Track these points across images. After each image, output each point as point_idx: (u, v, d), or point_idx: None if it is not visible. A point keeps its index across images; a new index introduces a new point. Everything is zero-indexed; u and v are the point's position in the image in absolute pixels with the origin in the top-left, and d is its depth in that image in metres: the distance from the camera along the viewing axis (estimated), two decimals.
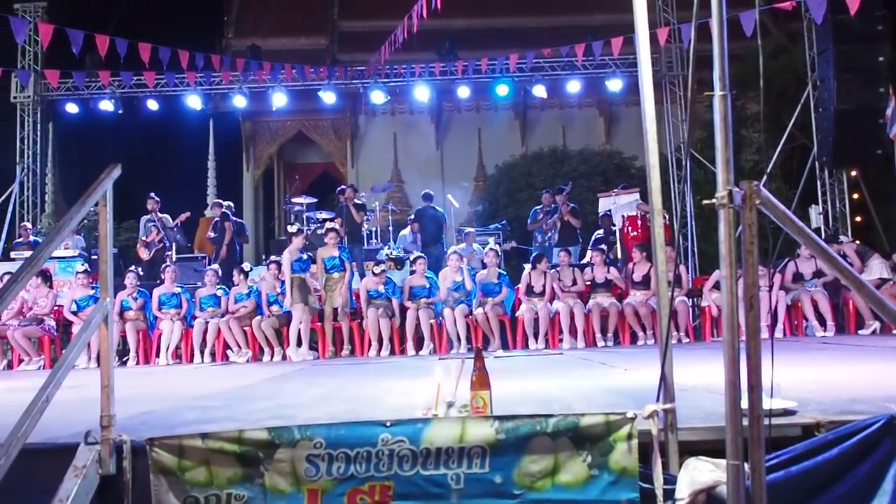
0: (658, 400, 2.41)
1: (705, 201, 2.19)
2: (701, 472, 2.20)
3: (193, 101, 13.44)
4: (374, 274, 8.73)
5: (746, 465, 2.03)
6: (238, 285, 8.93)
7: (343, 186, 11.11)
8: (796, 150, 12.80)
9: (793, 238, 2.26)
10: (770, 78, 12.47)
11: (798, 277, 8.55)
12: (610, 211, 10.24)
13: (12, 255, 10.89)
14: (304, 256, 8.63)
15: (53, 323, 8.82)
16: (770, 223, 2.18)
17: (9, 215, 13.01)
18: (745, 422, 2.02)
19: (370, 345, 8.41)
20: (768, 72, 12.43)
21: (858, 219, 13.05)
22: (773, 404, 2.29)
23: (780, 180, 13.32)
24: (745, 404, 2.03)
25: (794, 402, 2.66)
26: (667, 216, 10.96)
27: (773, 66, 12.83)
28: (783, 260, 8.76)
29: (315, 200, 11.90)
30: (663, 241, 2.50)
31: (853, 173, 12.08)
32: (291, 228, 9.28)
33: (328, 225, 9.22)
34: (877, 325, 7.93)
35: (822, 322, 8.21)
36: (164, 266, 9.34)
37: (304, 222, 11.28)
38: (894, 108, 9.89)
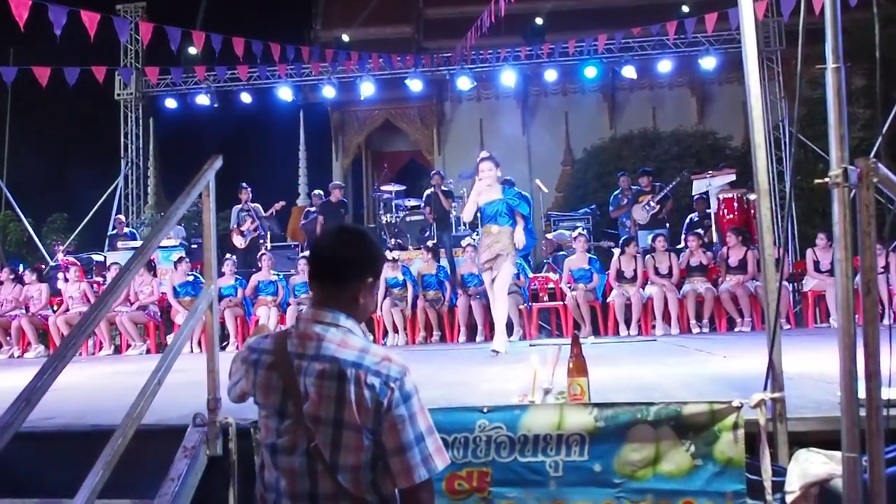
0: (766, 388, 2.32)
1: (817, 180, 2.07)
2: (813, 465, 2.10)
3: (284, 93, 13.83)
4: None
5: (864, 458, 1.92)
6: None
7: (433, 172, 11.19)
8: None
9: None
10: (881, 48, 11.68)
11: None
12: (706, 193, 9.88)
13: (119, 244, 11.52)
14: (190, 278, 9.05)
15: (157, 309, 9.29)
16: (878, 203, 2.04)
17: (114, 208, 13.77)
18: (862, 412, 1.91)
19: (460, 330, 8.48)
20: (874, 43, 11.65)
21: None
22: (892, 394, 2.16)
23: (888, 159, 12.48)
24: (861, 394, 1.91)
25: None
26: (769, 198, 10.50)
27: (881, 37, 12.01)
28: (893, 242, 8.22)
29: (403, 188, 12.03)
30: (770, 223, 2.38)
31: None
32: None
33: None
34: None
35: None
36: (260, 254, 9.66)
37: (393, 210, 11.43)
38: None
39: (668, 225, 10.40)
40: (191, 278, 9.18)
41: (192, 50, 13.25)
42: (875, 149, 9.27)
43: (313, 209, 11.41)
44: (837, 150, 1.99)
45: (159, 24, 10.57)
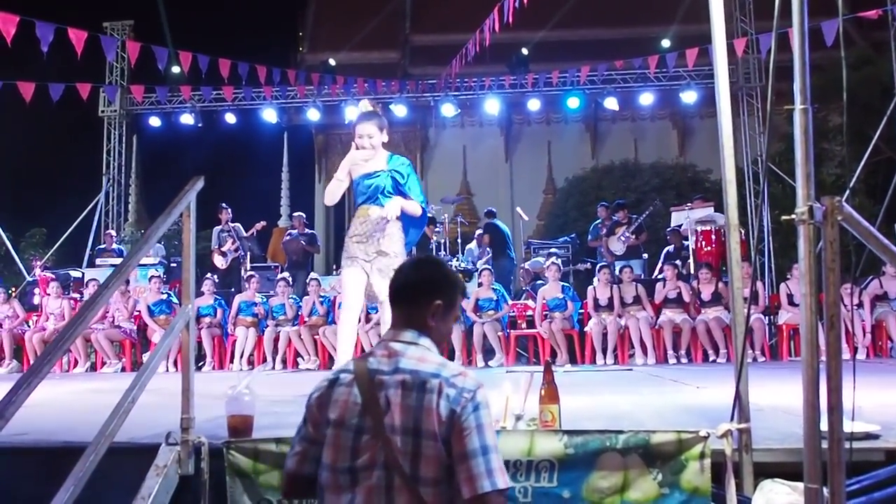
0: (732, 419, 2.36)
1: (784, 217, 2.14)
2: (777, 495, 2.14)
3: (269, 115, 13.88)
4: None
5: (826, 490, 1.96)
6: (311, 295, 9.13)
7: None
8: (881, 165, 12.23)
9: (878, 256, 2.18)
10: (853, 89, 11.98)
11: (882, 297, 8.18)
12: (681, 225, 10.02)
13: (97, 261, 11.43)
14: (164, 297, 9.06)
15: (134, 327, 9.20)
16: (853, 239, 2.11)
17: (94, 224, 13.67)
18: (825, 444, 1.95)
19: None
20: (851, 83, 11.94)
21: None
22: (855, 427, 2.21)
23: (863, 195, 12.75)
24: (824, 426, 1.96)
25: (878, 426, 2.55)
26: (743, 231, 10.65)
27: (856, 77, 12.33)
28: (867, 278, 8.39)
29: None
30: (739, 257, 2.45)
31: None
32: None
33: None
34: None
35: None
36: (248, 275, 9.62)
37: None
38: None
39: (645, 255, 10.52)
40: (164, 296, 9.12)
41: (176, 69, 13.29)
42: (848, 187, 9.49)
43: (294, 230, 11.41)
44: (804, 188, 2.05)
45: (146, 42, 10.62)
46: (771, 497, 2.15)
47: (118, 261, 11.04)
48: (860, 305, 8.05)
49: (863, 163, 10.96)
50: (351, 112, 13.59)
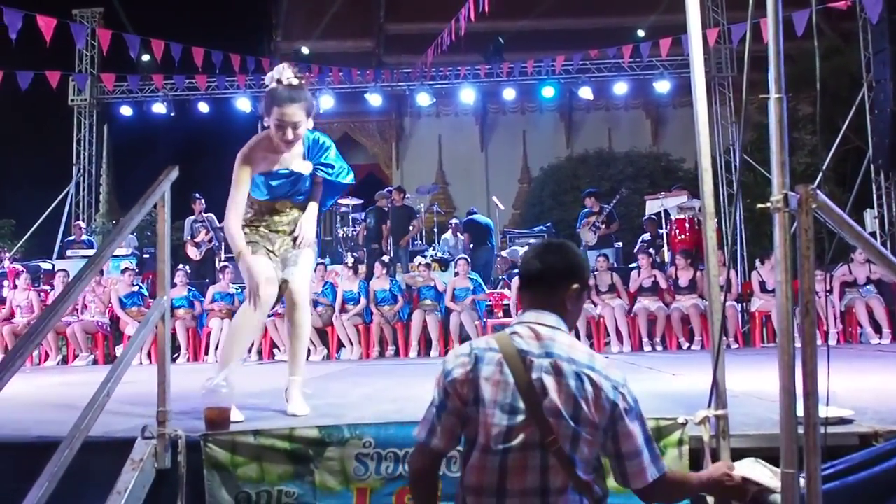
0: (710, 406, 2.38)
1: (759, 205, 2.15)
2: (755, 471, 2.16)
3: (243, 104, 13.72)
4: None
5: (801, 475, 1.99)
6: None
7: (383, 190, 11.26)
8: (850, 153, 12.45)
9: (846, 243, 2.22)
10: (823, 79, 12.13)
11: (852, 283, 8.34)
12: (657, 214, 10.11)
13: (68, 253, 11.24)
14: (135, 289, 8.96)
15: (107, 319, 9.08)
16: (824, 227, 2.14)
17: (65, 215, 13.44)
18: (800, 430, 1.98)
19: (410, 345, 8.51)
20: (821, 73, 12.13)
21: None
22: (829, 412, 2.24)
23: (833, 183, 12.97)
24: (800, 412, 1.99)
25: (851, 411, 2.60)
26: (715, 220, 10.76)
27: (826, 67, 12.49)
28: (836, 265, 8.55)
29: (361, 202, 12.03)
30: (716, 246, 2.47)
31: None
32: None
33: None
34: None
35: (878, 329, 7.98)
36: (221, 266, 9.52)
37: (350, 223, 11.41)
38: None
39: (619, 244, 10.59)
40: (136, 289, 9.00)
41: (146, 57, 13.05)
42: (819, 175, 9.64)
43: None
44: (779, 177, 2.07)
45: (116, 30, 10.43)
46: (750, 470, 2.18)
47: (89, 252, 10.86)
48: (831, 292, 8.19)
49: (832, 151, 11.18)
50: (326, 101, 13.50)
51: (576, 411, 1.75)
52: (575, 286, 1.92)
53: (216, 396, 2.77)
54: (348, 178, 3.51)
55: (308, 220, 3.40)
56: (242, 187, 3.26)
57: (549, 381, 1.76)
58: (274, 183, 3.33)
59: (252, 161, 3.27)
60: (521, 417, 1.74)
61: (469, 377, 1.80)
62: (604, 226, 10.23)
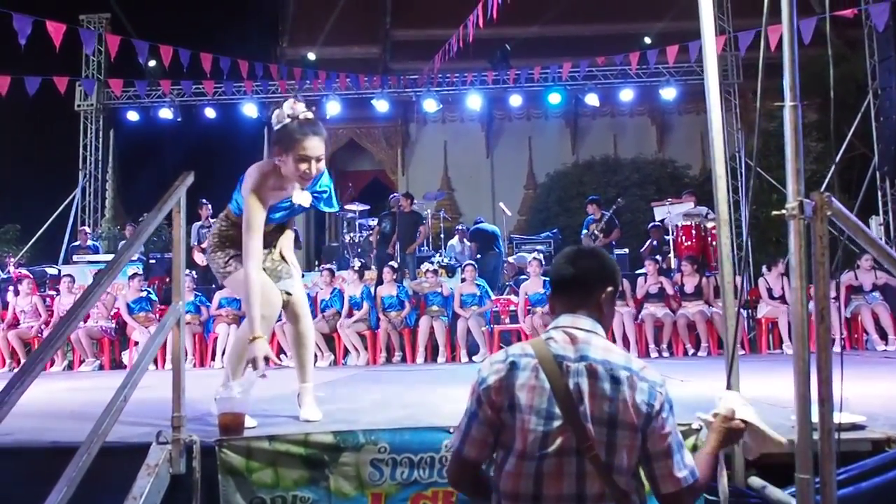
0: None
1: (774, 212, 2.17)
2: (743, 410, 2.17)
3: (250, 110, 13.77)
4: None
5: (816, 480, 1.99)
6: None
7: (397, 195, 11.30)
8: (856, 160, 12.46)
9: (851, 250, 2.23)
10: (829, 87, 12.17)
11: (857, 289, 8.33)
12: (664, 220, 10.11)
13: (74, 258, 11.27)
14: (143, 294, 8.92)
15: (112, 325, 9.10)
16: (831, 233, 2.15)
17: (71, 220, 13.48)
18: (815, 436, 1.99)
19: (418, 351, 8.52)
20: (828, 80, 12.15)
21: None
22: (842, 418, 2.25)
23: (839, 190, 12.96)
24: (814, 418, 2.00)
25: (863, 417, 2.61)
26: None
27: (832, 74, 12.50)
28: (841, 272, 8.54)
29: (367, 207, 12.05)
30: (730, 253, 2.48)
31: None
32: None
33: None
34: None
35: (883, 335, 7.97)
36: None
37: (357, 229, 11.43)
38: None
39: (626, 250, 10.58)
40: (144, 294, 9.02)
41: (152, 63, 13.09)
42: (826, 182, 9.64)
43: None
44: (794, 184, 2.08)
45: (123, 35, 10.49)
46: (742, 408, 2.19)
47: (94, 257, 10.91)
48: (837, 298, 8.18)
49: (838, 158, 11.18)
50: (332, 107, 13.54)
51: (612, 415, 1.74)
52: (609, 289, 1.94)
53: (230, 403, 2.78)
54: (331, 209, 3.49)
55: (289, 249, 3.43)
56: (259, 232, 3.12)
57: (585, 385, 1.75)
58: (275, 215, 3.28)
59: (265, 201, 3.15)
60: (557, 423, 1.73)
61: (504, 384, 1.79)
62: (602, 234, 10.19)
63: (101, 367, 8.79)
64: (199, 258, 10.69)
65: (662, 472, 1.78)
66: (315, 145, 3.12)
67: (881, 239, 10.82)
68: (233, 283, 3.31)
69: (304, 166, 3.09)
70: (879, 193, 11.25)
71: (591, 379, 1.76)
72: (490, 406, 1.80)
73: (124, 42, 10.32)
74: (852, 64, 12.48)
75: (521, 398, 1.76)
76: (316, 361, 8.60)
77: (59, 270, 10.80)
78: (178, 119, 13.77)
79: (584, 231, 10.55)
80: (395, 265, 9.31)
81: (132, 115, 13.98)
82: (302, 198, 3.28)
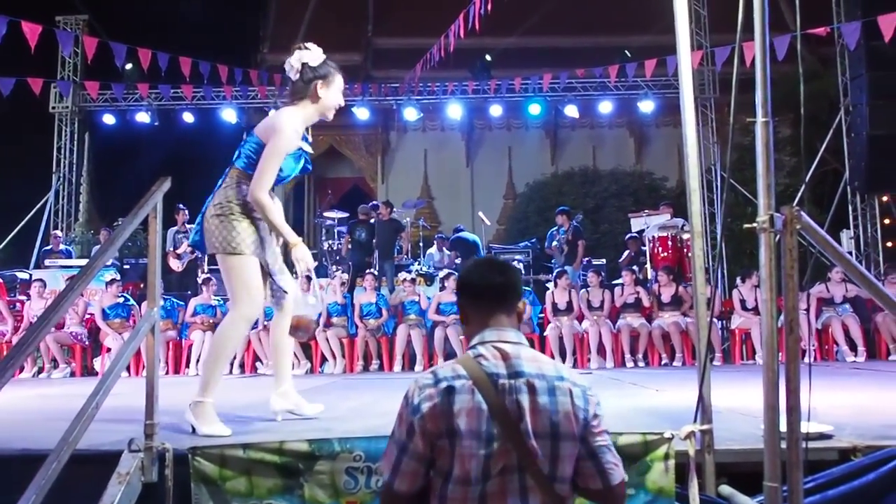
0: (695, 421, 2.43)
1: (745, 225, 2.21)
2: None
3: (228, 115, 13.69)
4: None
5: (784, 489, 2.03)
6: (267, 299, 9.03)
7: (375, 203, 11.29)
8: (828, 175, 12.70)
9: (822, 262, 2.28)
10: (803, 102, 12.39)
11: (828, 301, 8.47)
12: (641, 231, 10.21)
13: (46, 262, 11.11)
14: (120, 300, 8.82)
15: (84, 331, 8.97)
16: (802, 246, 2.20)
17: (43, 224, 13.29)
18: (783, 445, 2.03)
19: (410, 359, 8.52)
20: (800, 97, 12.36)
21: (889, 244, 12.87)
22: (810, 428, 2.29)
23: (811, 204, 13.18)
24: (783, 427, 2.04)
25: (830, 427, 2.65)
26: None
27: (805, 90, 12.69)
28: (812, 283, 8.68)
29: (346, 215, 12.03)
30: (703, 265, 2.52)
31: (884, 198, 11.94)
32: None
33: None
34: None
35: (853, 347, 8.10)
36: (204, 278, 9.46)
37: (336, 236, 11.40)
38: None
39: (604, 260, 10.67)
40: (121, 300, 8.91)
41: (130, 65, 12.96)
42: (799, 196, 9.79)
43: None
44: (765, 198, 2.13)
45: (100, 37, 10.39)
46: None
47: (67, 262, 10.76)
48: (808, 310, 8.31)
49: (810, 173, 11.38)
50: None
51: (555, 427, 1.74)
52: (523, 301, 2.01)
53: (305, 307, 2.89)
54: (309, 170, 3.58)
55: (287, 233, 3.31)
56: (280, 161, 3.19)
57: (525, 402, 1.74)
58: (291, 167, 3.34)
59: (292, 142, 3.24)
60: (497, 444, 1.71)
61: (440, 410, 1.74)
62: (567, 246, 10.26)
63: (72, 374, 8.67)
64: (175, 264, 10.60)
65: (594, 469, 1.80)
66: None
67: (852, 252, 11.04)
68: (230, 263, 3.23)
69: (338, 100, 3.39)
70: (850, 208, 11.47)
71: (531, 395, 1.75)
72: (423, 436, 1.75)
73: (101, 44, 10.22)
74: (825, 81, 12.73)
75: (461, 424, 1.72)
76: (293, 369, 8.59)
77: (31, 275, 10.63)
78: (156, 123, 13.65)
79: (554, 243, 10.65)
80: (375, 273, 9.30)
81: (108, 119, 13.83)
82: (308, 147, 3.44)
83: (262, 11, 18.71)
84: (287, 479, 2.53)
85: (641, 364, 8.30)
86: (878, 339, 8.27)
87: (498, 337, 1.85)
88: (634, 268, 9.48)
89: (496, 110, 14.01)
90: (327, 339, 8.51)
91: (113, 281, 9.02)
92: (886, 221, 12.25)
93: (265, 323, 8.79)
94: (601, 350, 8.32)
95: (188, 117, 13.72)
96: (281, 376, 3.50)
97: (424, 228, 12.19)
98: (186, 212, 10.82)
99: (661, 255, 9.60)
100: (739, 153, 10.82)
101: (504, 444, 1.71)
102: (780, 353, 2.10)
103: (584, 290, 8.84)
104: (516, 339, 1.86)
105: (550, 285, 8.98)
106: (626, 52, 12.82)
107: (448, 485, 1.73)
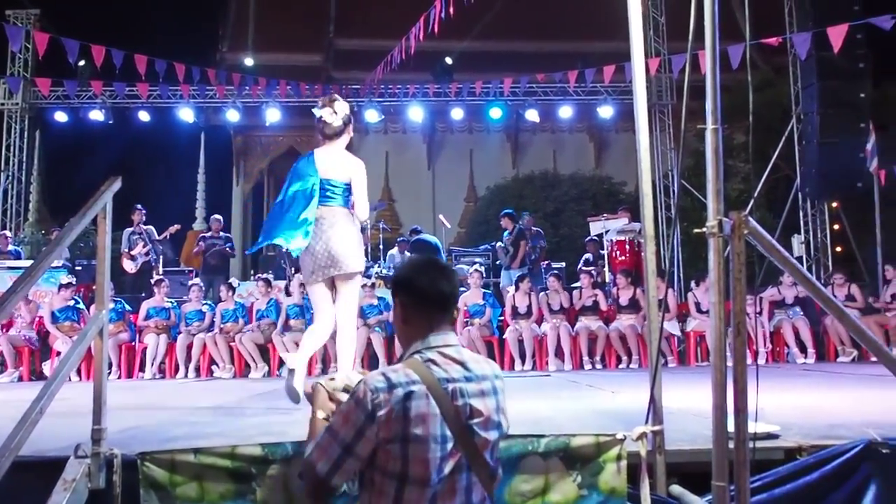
0: (647, 422, 2.46)
1: (696, 230, 2.26)
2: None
3: (186, 114, 13.46)
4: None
5: (731, 488, 2.07)
6: (225, 301, 8.93)
7: None
8: (780, 181, 13.02)
9: (775, 266, 2.34)
10: (756, 110, 12.70)
11: (780, 304, 8.68)
12: (600, 235, 10.34)
13: None
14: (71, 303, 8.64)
15: (34, 334, 8.73)
16: (754, 250, 2.25)
17: None
18: (731, 445, 2.07)
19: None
20: (754, 105, 12.66)
21: (839, 249, 13.25)
22: (758, 428, 2.34)
23: (764, 209, 13.52)
24: (730, 427, 2.08)
25: (777, 427, 2.72)
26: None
27: (759, 98, 13.05)
28: (765, 287, 8.89)
29: None
30: (655, 268, 2.56)
31: (834, 204, 12.29)
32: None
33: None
34: (855, 353, 8.05)
35: (803, 349, 8.32)
36: (157, 279, 9.28)
37: None
38: (874, 143, 10.13)
39: (562, 264, 10.78)
40: (72, 302, 8.68)
41: (83, 62, 12.66)
42: (751, 202, 10.00)
43: (209, 234, 11.13)
44: (714, 203, 2.18)
45: (52, 33, 10.12)
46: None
47: (15, 263, 10.45)
48: (760, 313, 8.51)
49: (763, 179, 11.66)
50: (272, 114, 13.39)
51: (499, 422, 1.89)
52: (458, 306, 2.07)
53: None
54: None
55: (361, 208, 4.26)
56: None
57: (476, 403, 1.84)
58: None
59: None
60: (450, 445, 1.79)
61: (396, 416, 1.77)
62: (512, 247, 10.36)
63: (19, 379, 8.41)
64: (129, 265, 10.39)
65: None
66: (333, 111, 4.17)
67: (802, 256, 11.33)
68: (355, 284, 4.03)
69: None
70: (801, 213, 11.77)
71: (480, 396, 1.86)
72: (372, 441, 1.78)
73: (53, 40, 9.96)
74: (778, 89, 13.05)
75: (417, 430, 1.76)
76: (250, 372, 8.49)
77: None
78: (110, 121, 13.34)
79: (499, 244, 10.75)
80: None
81: (60, 116, 13.47)
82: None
83: (221, 9, 18.47)
84: (239, 484, 2.49)
85: (599, 366, 8.39)
86: (827, 340, 8.49)
87: (443, 342, 1.92)
88: (593, 271, 9.58)
89: (457, 113, 14.04)
90: (283, 343, 8.41)
91: (69, 285, 8.78)
92: (836, 227, 12.61)
93: (221, 326, 8.69)
94: (559, 352, 8.39)
95: (144, 116, 13.45)
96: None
97: (385, 231, 12.15)
98: (144, 212, 10.62)
99: (620, 258, 9.74)
100: (696, 159, 11.03)
101: (456, 445, 1.80)
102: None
103: (543, 293, 8.91)
104: (455, 341, 1.95)
105: (511, 288, 9.02)
106: (580, 63, 12.94)
107: (405, 487, 1.77)
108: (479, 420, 1.83)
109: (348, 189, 4.04)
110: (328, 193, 3.97)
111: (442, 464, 1.77)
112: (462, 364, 1.88)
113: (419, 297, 1.95)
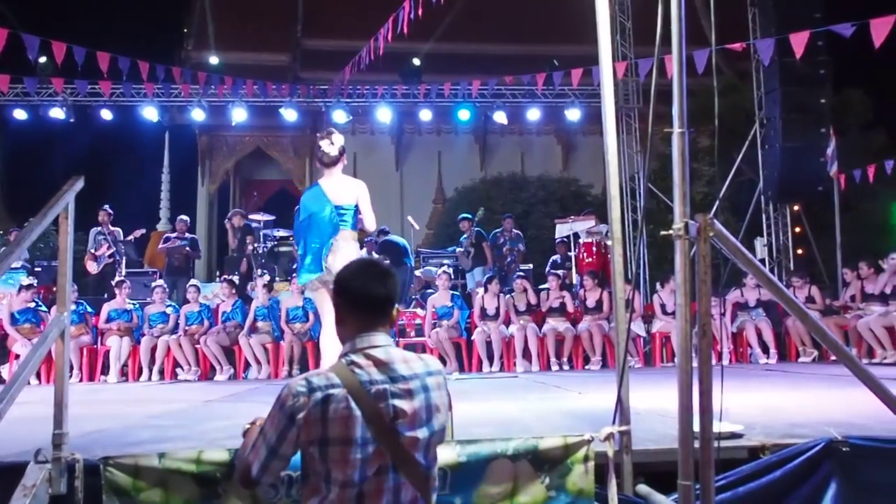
0: (614, 423, 2.48)
1: (662, 232, 2.28)
2: None
3: (149, 113, 13.21)
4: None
5: (696, 486, 2.10)
6: (190, 303, 8.81)
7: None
8: (744, 184, 13.24)
9: (738, 268, 2.38)
10: (721, 114, 12.89)
11: (743, 306, 8.84)
12: (567, 237, 10.42)
13: None
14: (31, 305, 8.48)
15: None
16: (719, 253, 2.29)
17: None
18: (696, 444, 2.10)
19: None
20: (719, 109, 12.86)
21: (800, 251, 13.53)
22: (722, 427, 2.38)
23: (728, 212, 13.74)
24: (696, 427, 2.11)
25: (741, 426, 2.76)
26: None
27: (723, 103, 13.27)
28: (729, 288, 9.04)
29: (273, 218, 11.81)
30: (622, 269, 2.58)
31: (796, 208, 12.54)
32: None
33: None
34: (815, 353, 8.23)
35: (766, 349, 8.48)
36: (118, 281, 9.11)
37: (261, 239, 11.18)
38: (834, 148, 10.37)
39: (530, 266, 10.85)
40: (32, 304, 8.48)
41: (43, 59, 12.35)
42: (716, 205, 10.18)
43: (174, 234, 10.97)
44: (680, 206, 2.21)
45: (11, 28, 9.86)
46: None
47: None
48: (724, 315, 8.66)
49: (727, 182, 11.86)
50: (238, 114, 13.23)
51: (430, 420, 1.87)
52: (397, 308, 2.07)
53: None
54: None
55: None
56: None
57: (400, 405, 1.84)
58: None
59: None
60: (373, 447, 1.80)
61: (314, 419, 1.79)
62: (473, 249, 10.42)
63: None
64: (92, 266, 10.19)
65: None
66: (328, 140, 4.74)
67: (765, 259, 11.55)
68: None
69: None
70: (764, 216, 11.99)
71: (407, 398, 1.85)
72: (294, 444, 1.83)
73: (12, 36, 9.70)
74: (742, 94, 13.28)
75: (336, 431, 1.79)
76: (215, 375, 8.38)
77: None
78: (71, 120, 13.04)
79: (459, 248, 10.81)
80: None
81: (19, 114, 13.11)
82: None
83: (186, 7, 18.21)
84: (204, 489, 2.46)
85: (566, 367, 8.45)
86: (788, 341, 8.68)
87: (368, 343, 1.92)
88: (560, 273, 9.65)
89: (426, 115, 14.03)
90: (250, 345, 8.33)
91: (29, 287, 8.57)
92: (797, 230, 12.86)
93: (186, 328, 8.57)
94: (527, 354, 8.44)
95: (106, 114, 13.16)
96: None
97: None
98: (111, 213, 10.43)
99: (587, 260, 9.82)
100: (662, 162, 11.17)
101: (379, 447, 1.80)
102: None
103: (509, 295, 8.95)
104: (385, 341, 1.94)
105: (480, 290, 9.05)
106: (555, 61, 13.04)
107: (330, 487, 1.80)
108: (404, 420, 1.83)
109: (356, 211, 4.66)
110: (343, 219, 4.59)
111: (364, 465, 1.79)
112: (388, 364, 1.87)
113: (350, 299, 1.98)
